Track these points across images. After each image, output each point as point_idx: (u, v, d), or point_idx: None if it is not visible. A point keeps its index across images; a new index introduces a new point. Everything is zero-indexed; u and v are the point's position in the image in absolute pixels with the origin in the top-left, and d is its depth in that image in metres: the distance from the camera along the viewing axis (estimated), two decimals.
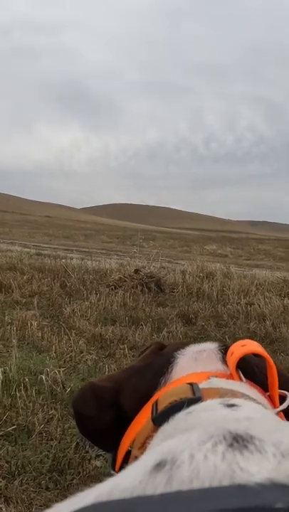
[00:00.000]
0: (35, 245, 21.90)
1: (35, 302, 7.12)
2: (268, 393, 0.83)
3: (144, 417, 0.81)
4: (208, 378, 0.80)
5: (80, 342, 5.29)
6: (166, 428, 0.64)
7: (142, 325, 6.14)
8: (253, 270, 14.81)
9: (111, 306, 7.19)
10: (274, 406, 0.81)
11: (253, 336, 5.96)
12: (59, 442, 3.20)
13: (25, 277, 9.03)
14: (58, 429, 3.35)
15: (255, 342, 0.88)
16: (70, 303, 7.29)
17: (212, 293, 8.34)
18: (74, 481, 2.83)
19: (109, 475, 0.77)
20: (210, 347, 0.94)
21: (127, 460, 0.82)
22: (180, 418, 0.64)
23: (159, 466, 0.42)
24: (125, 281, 8.81)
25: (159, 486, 0.40)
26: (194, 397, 0.70)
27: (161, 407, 0.72)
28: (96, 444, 0.99)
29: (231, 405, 0.64)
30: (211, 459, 0.42)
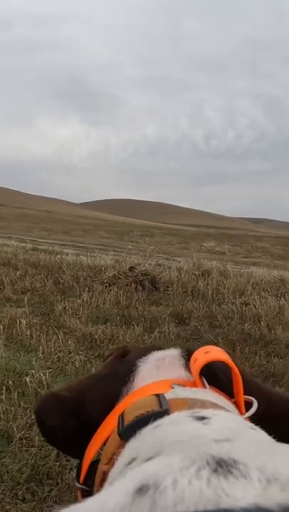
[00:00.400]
0: (32, 240, 21.76)
1: (26, 299, 6.99)
2: (233, 399, 0.82)
3: (108, 429, 0.80)
4: (172, 386, 0.79)
5: (70, 342, 5.16)
6: (133, 444, 0.63)
7: (133, 324, 6.01)
8: (250, 268, 14.69)
9: (103, 304, 7.05)
10: (240, 412, 0.80)
11: (247, 337, 5.84)
12: (40, 449, 3.07)
13: (18, 273, 8.89)
14: (40, 436, 3.22)
15: (219, 348, 0.87)
16: (62, 300, 7.15)
17: (207, 292, 8.20)
18: (52, 493, 2.70)
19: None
20: (172, 354, 0.94)
21: (91, 471, 0.82)
22: (147, 432, 0.63)
23: (142, 490, 0.41)
24: (120, 278, 8.67)
25: (143, 510, 0.39)
26: (161, 409, 0.69)
27: (127, 420, 0.70)
28: (64, 452, 0.99)
29: (202, 418, 0.63)
30: (195, 484, 0.41)
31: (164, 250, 19.55)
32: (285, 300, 7.54)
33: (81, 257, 11.50)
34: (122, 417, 0.73)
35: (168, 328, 5.93)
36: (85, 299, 7.21)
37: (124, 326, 6.00)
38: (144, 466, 0.48)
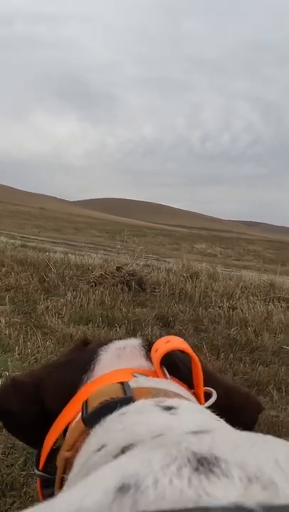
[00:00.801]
0: (23, 237, 21.63)
1: (9, 297, 6.81)
2: (192, 390, 0.83)
3: (69, 415, 0.80)
4: (132, 375, 0.79)
5: (49, 342, 4.99)
6: (99, 430, 0.63)
7: (116, 326, 5.85)
8: (240, 271, 14.57)
9: (88, 304, 6.89)
10: (200, 403, 0.81)
11: (233, 343, 5.68)
12: (6, 456, 2.90)
13: (3, 270, 8.72)
14: (8, 442, 3.06)
15: (179, 338, 0.88)
16: (45, 299, 6.98)
17: (194, 294, 8.05)
18: (15, 505, 2.53)
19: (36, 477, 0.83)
20: (133, 343, 0.95)
21: (50, 459, 0.82)
22: (114, 419, 0.63)
23: (123, 489, 0.41)
24: (106, 278, 8.51)
25: (125, 509, 0.39)
26: (126, 396, 0.69)
27: (91, 406, 0.70)
28: (22, 440, 0.99)
29: (168, 408, 0.63)
30: (176, 484, 0.41)
31: (155, 251, 19.46)
32: (274, 305, 7.40)
33: (69, 255, 11.33)
34: (86, 403, 0.72)
35: (151, 331, 5.76)
36: (68, 298, 7.04)
37: (106, 328, 5.84)
38: (123, 463, 0.47)
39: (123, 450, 0.53)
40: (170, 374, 0.83)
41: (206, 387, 0.84)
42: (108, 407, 0.67)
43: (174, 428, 0.57)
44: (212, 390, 0.84)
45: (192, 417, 0.62)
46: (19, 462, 2.83)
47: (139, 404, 0.66)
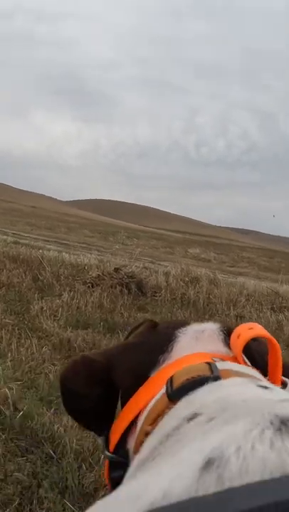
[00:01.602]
0: (15, 233, 21.21)
1: (1, 295, 6.32)
2: (266, 378, 0.78)
3: (146, 395, 0.77)
4: (212, 359, 0.75)
5: (44, 348, 4.48)
6: (187, 401, 0.62)
7: (118, 332, 5.36)
8: (237, 278, 14.21)
9: (85, 306, 6.40)
10: None
11: None
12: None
13: None
14: (0, 472, 2.57)
15: (261, 326, 0.83)
16: (40, 299, 6.49)
17: (198, 300, 7.59)
18: None
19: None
20: (211, 327, 0.90)
21: (124, 440, 0.79)
22: (203, 392, 0.62)
23: (208, 464, 0.40)
24: (104, 279, 8.04)
25: (210, 486, 0.38)
26: (214, 375, 0.67)
27: (177, 382, 0.68)
28: (81, 423, 0.94)
29: (264, 387, 0.62)
30: (259, 450, 0.40)
31: (149, 254, 19.07)
32: (284, 315, 6.93)
33: (64, 253, 10.85)
34: (171, 380, 0.70)
35: None
36: (65, 299, 6.55)
37: (107, 334, 5.35)
38: (210, 435, 0.47)
39: (212, 418, 0.52)
40: None
41: (282, 377, 0.80)
42: (197, 383, 0.64)
43: (266, 400, 0.56)
44: (287, 380, 0.80)
45: (286, 393, 0.64)
46: (15, 497, 2.34)
47: (234, 379, 0.64)
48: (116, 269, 8.43)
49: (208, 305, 7.40)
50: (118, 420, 0.82)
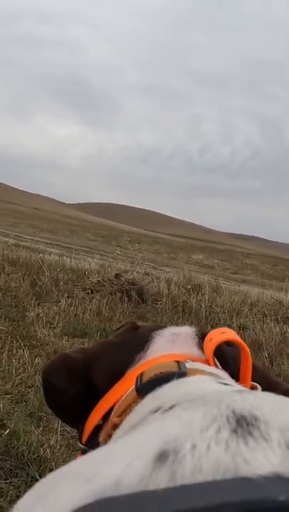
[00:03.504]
0: (17, 235, 21.10)
1: None
2: (238, 383, 0.80)
3: (119, 390, 0.81)
4: (185, 361, 0.77)
5: (38, 359, 4.26)
6: (153, 395, 0.63)
7: None
8: (240, 286, 13.99)
9: (83, 314, 6.18)
10: None
11: None
12: None
13: None
14: None
15: (233, 331, 0.86)
16: (37, 305, 6.28)
17: (199, 309, 7.37)
18: None
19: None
20: (187, 331, 0.93)
21: (96, 433, 0.83)
22: (170, 387, 0.63)
23: (162, 457, 0.41)
24: (104, 285, 7.83)
25: (162, 481, 0.38)
26: (181, 371, 0.69)
27: (146, 377, 0.71)
28: (61, 418, 0.99)
29: (225, 384, 0.64)
30: (214, 451, 0.40)
31: (151, 259, 18.88)
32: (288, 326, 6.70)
33: (64, 258, 10.65)
34: (140, 375, 0.72)
35: None
36: (62, 306, 6.34)
37: None
38: (167, 423, 0.47)
39: (171, 407, 0.53)
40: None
41: (251, 382, 0.81)
42: (164, 379, 0.66)
43: (224, 390, 0.59)
44: (257, 385, 0.81)
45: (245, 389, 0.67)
46: None
47: (197, 376, 0.66)
48: (117, 275, 8.23)
49: (210, 314, 7.18)
50: (92, 414, 0.85)
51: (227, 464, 0.39)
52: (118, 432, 0.67)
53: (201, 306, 7.50)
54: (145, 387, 0.67)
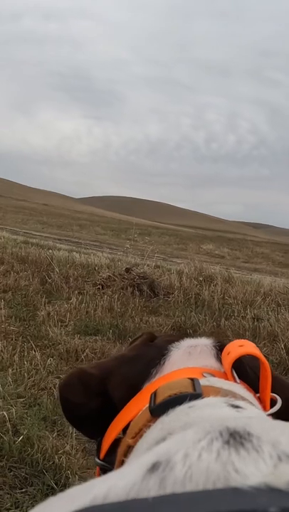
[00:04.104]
0: (26, 232, 21.01)
1: (7, 300, 6.04)
2: (258, 394, 0.81)
3: (135, 407, 0.80)
4: (202, 374, 0.78)
5: (50, 360, 4.18)
6: (165, 419, 0.64)
7: (128, 339, 5.05)
8: (251, 274, 13.84)
9: (95, 310, 6.09)
10: (265, 409, 0.80)
11: None
12: None
13: (2, 268, 7.97)
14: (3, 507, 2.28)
15: (252, 343, 0.85)
16: (47, 303, 6.20)
17: (212, 301, 7.25)
18: None
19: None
20: (205, 343, 0.92)
21: (114, 448, 0.82)
22: (182, 411, 0.64)
23: (154, 467, 0.41)
24: (115, 280, 7.74)
25: (152, 489, 0.39)
26: (195, 392, 0.69)
27: (160, 398, 0.71)
28: (80, 431, 0.98)
29: (236, 406, 0.63)
30: (205, 460, 0.41)
31: (161, 250, 18.77)
32: None
33: (74, 253, 10.55)
34: (154, 395, 0.72)
35: None
36: (73, 303, 6.25)
37: (117, 341, 5.05)
38: (163, 444, 0.47)
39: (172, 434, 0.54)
40: (239, 378, 0.79)
41: (272, 394, 0.80)
42: (177, 400, 0.66)
43: (227, 414, 0.59)
44: (277, 396, 0.80)
45: (256, 411, 0.66)
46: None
47: (210, 400, 0.65)
48: (127, 270, 8.13)
49: (223, 306, 7.06)
50: (109, 430, 0.85)
51: (217, 472, 0.39)
52: (131, 457, 0.68)
53: (213, 298, 7.38)
54: (157, 410, 0.67)
